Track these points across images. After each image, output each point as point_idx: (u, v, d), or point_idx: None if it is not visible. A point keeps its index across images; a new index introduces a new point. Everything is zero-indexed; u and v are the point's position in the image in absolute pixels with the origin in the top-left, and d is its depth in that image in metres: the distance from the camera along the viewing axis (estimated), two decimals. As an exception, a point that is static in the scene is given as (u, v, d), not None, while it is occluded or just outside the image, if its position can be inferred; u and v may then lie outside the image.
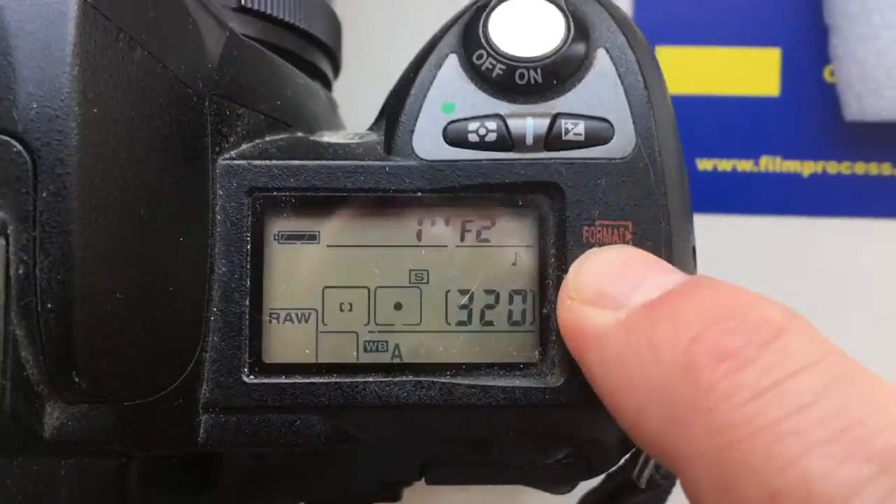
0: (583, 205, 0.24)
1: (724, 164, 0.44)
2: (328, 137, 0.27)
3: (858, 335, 0.43)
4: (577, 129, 0.24)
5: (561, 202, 0.24)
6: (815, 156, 0.44)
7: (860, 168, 0.44)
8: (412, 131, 0.25)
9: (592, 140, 0.24)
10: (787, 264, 0.44)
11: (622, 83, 0.25)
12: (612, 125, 0.24)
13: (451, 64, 0.25)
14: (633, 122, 0.24)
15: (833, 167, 0.44)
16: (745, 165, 0.44)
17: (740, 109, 0.45)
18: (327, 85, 0.34)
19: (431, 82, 0.25)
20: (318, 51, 0.33)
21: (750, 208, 0.44)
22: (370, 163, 0.25)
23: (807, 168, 0.44)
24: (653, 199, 0.24)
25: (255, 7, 0.29)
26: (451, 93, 0.25)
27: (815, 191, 0.44)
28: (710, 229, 0.44)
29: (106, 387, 0.21)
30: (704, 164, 0.44)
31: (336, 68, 0.35)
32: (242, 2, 0.29)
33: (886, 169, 0.44)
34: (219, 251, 0.24)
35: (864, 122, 0.42)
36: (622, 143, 0.24)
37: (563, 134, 0.24)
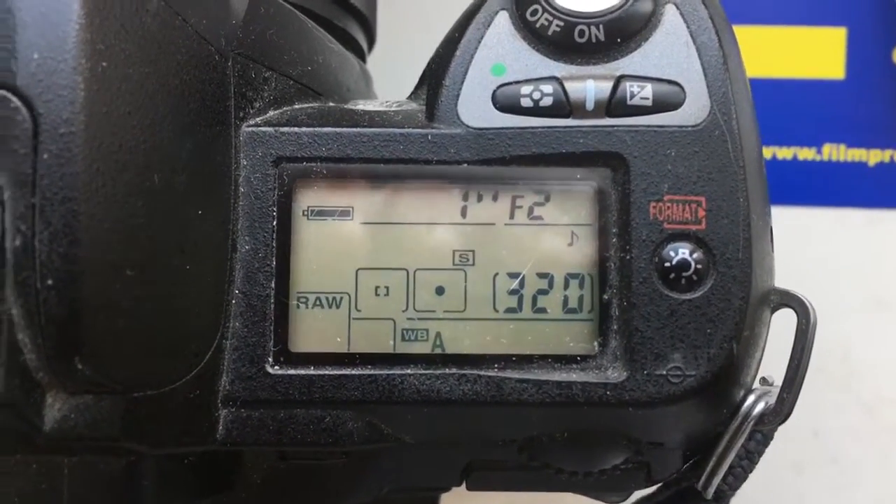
0: (650, 178, 0.21)
1: (784, 152, 0.41)
2: (363, 105, 0.24)
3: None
4: (644, 92, 0.22)
5: (625, 175, 0.21)
6: (883, 144, 0.41)
7: (932, 156, 0.41)
8: (457, 96, 0.22)
9: (661, 105, 0.22)
10: (850, 259, 0.41)
11: (694, 43, 0.22)
12: (683, 89, 0.22)
13: (502, 21, 0.23)
14: (708, 86, 0.22)
15: (902, 155, 0.41)
16: (806, 153, 0.41)
17: (802, 93, 0.41)
18: (361, 56, 0.32)
19: (480, 42, 0.23)
20: (351, 19, 0.30)
21: (811, 199, 0.41)
22: (410, 130, 0.22)
23: (873, 157, 0.41)
24: (730, 171, 0.21)
25: (285, -32, 0.27)
26: (502, 53, 0.22)
27: (881, 181, 0.41)
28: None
29: (113, 375, 0.19)
30: (764, 152, 0.41)
31: (371, 39, 0.33)
32: (271, -39, 0.26)
33: (961, 157, 0.41)
34: (242, 227, 0.22)
35: (939, 107, 0.39)
36: (695, 108, 0.22)
37: (627, 98, 0.22)
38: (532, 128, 0.22)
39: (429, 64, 0.24)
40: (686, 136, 0.21)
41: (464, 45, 0.23)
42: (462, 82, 0.22)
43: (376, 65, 0.34)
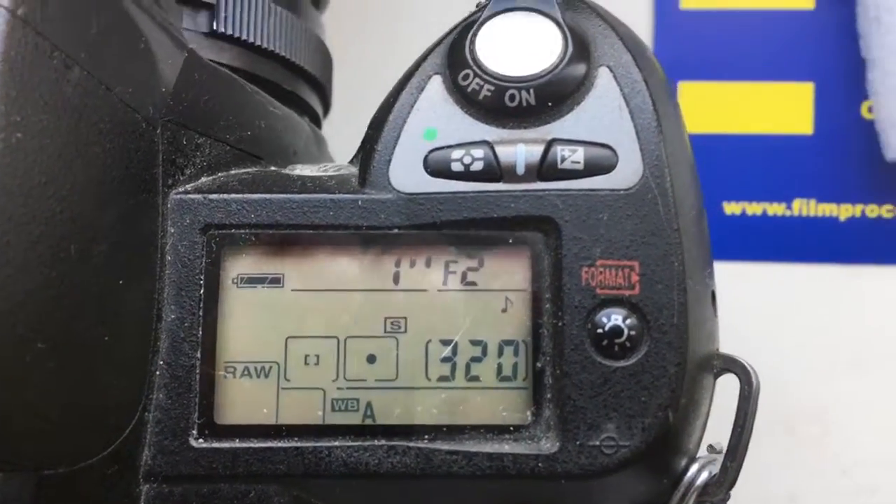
0: (582, 242, 0.21)
1: (754, 208, 0.41)
2: (300, 170, 0.24)
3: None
4: (576, 156, 0.21)
5: (557, 239, 0.21)
6: (853, 198, 0.41)
7: (903, 211, 0.40)
8: (389, 161, 0.22)
9: (593, 169, 0.21)
10: (824, 316, 0.40)
11: (627, 105, 0.22)
12: (615, 152, 0.21)
13: (435, 86, 0.22)
14: (640, 149, 0.21)
15: (872, 210, 0.40)
16: (776, 209, 0.41)
17: (771, 149, 0.41)
18: (315, 119, 0.32)
19: (412, 106, 0.22)
20: (303, 82, 0.30)
21: (782, 255, 0.41)
22: (341, 196, 0.22)
23: (843, 212, 0.41)
24: (664, 235, 0.21)
25: (230, 32, 0.27)
26: (434, 118, 0.22)
27: (852, 236, 0.40)
28: (739, 278, 0.41)
29: (22, 452, 0.18)
30: (733, 208, 0.41)
31: (326, 102, 0.33)
32: (215, 26, 0.26)
33: (932, 212, 0.40)
34: (168, 296, 0.21)
35: (907, 161, 0.39)
36: (627, 171, 0.21)
37: (558, 162, 0.21)
38: (463, 192, 0.21)
39: (367, 129, 0.24)
40: (618, 199, 0.21)
41: (397, 110, 0.22)
42: (394, 147, 0.22)
43: (336, 128, 0.34)
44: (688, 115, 0.41)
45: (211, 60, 0.26)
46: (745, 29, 0.42)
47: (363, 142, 0.23)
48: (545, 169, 0.21)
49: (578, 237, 0.21)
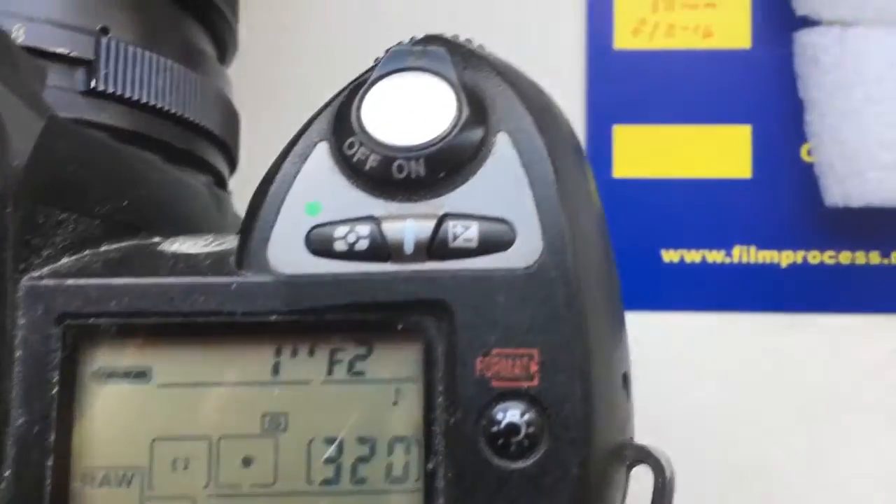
0: (476, 329, 0.19)
1: (693, 255, 0.40)
2: (179, 245, 0.22)
3: (848, 443, 0.38)
4: (469, 233, 0.19)
5: (450, 325, 0.19)
6: (794, 245, 0.39)
7: (845, 258, 0.39)
8: (268, 239, 0.20)
9: (488, 246, 0.19)
10: (766, 368, 0.39)
11: (527, 175, 0.20)
12: (513, 227, 0.19)
13: (321, 154, 0.21)
14: (540, 223, 0.20)
15: (814, 257, 0.39)
16: (716, 256, 0.40)
17: (709, 193, 0.40)
18: (218, 178, 0.30)
19: (295, 177, 0.20)
20: (200, 140, 0.28)
21: (723, 305, 0.39)
22: (212, 280, 0.20)
23: (785, 258, 0.39)
24: (565, 319, 0.19)
25: (110, 90, 0.24)
26: (318, 190, 0.20)
27: (794, 284, 0.39)
28: (677, 329, 0.39)
29: None
30: (670, 256, 0.40)
31: (231, 159, 0.31)
32: (93, 83, 0.24)
33: (875, 258, 0.39)
34: (16, 397, 0.19)
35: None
36: (525, 249, 0.19)
37: (450, 240, 0.19)
38: (348, 274, 0.19)
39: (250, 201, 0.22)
40: (515, 280, 0.19)
41: (279, 181, 0.20)
42: (274, 223, 0.20)
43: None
44: (622, 159, 0.40)
45: (89, 122, 0.24)
46: (680, 70, 0.40)
47: (245, 216, 0.21)
48: (436, 247, 0.19)
49: (472, 323, 0.19)
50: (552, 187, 0.20)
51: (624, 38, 0.41)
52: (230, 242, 0.22)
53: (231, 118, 0.30)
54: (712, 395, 0.39)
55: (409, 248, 0.19)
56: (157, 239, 0.23)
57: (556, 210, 0.20)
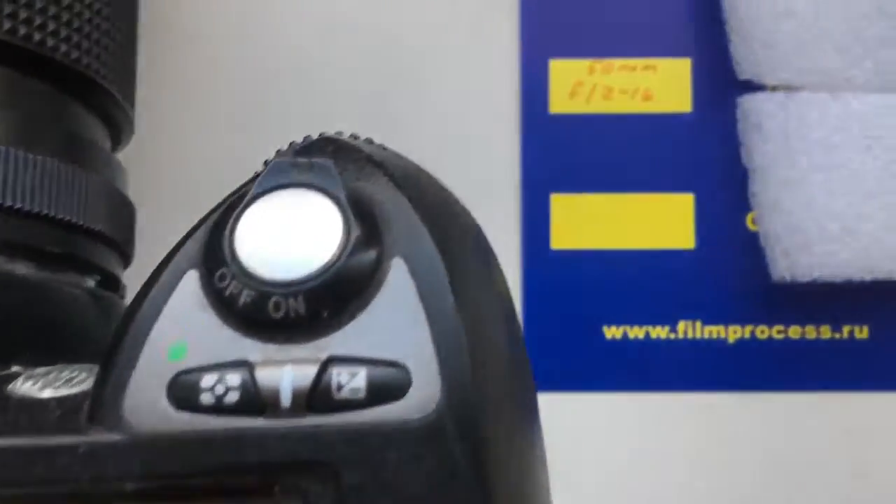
0: (366, 494, 0.16)
1: (636, 332, 0.37)
2: (30, 385, 0.19)
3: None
4: (356, 381, 0.17)
5: (336, 490, 0.17)
6: (741, 319, 0.37)
7: (794, 332, 0.37)
8: (124, 389, 0.17)
9: (378, 395, 0.17)
10: (715, 450, 0.37)
11: (424, 308, 0.17)
12: (406, 371, 0.17)
13: (190, 285, 0.18)
14: (439, 364, 0.17)
15: (762, 332, 0.37)
16: (660, 332, 0.37)
17: (651, 265, 0.38)
18: (109, 279, 0.27)
19: (160, 312, 0.18)
20: (82, 238, 0.25)
21: (668, 384, 0.37)
22: (56, 440, 0.17)
23: (732, 334, 0.37)
24: (467, 480, 0.16)
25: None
26: (185, 329, 0.17)
27: (742, 361, 0.37)
28: (621, 410, 0.37)
29: None
30: (613, 332, 0.37)
31: (124, 254, 0.28)
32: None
33: (825, 333, 0.37)
34: None
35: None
36: (421, 396, 0.17)
37: (334, 389, 0.17)
38: (215, 431, 0.17)
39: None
40: (409, 433, 0.17)
41: (141, 317, 0.18)
42: (132, 369, 0.17)
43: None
44: (561, 230, 0.38)
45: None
46: (619, 136, 0.38)
47: (102, 358, 0.18)
48: (318, 398, 0.17)
49: (361, 486, 0.16)
50: (454, 322, 0.17)
51: (560, 102, 0.38)
52: (90, 381, 0.19)
53: (120, 210, 0.27)
54: (660, 479, 0.37)
55: (286, 399, 0.17)
56: (15, 369, 0.20)
57: (458, 346, 0.17)
